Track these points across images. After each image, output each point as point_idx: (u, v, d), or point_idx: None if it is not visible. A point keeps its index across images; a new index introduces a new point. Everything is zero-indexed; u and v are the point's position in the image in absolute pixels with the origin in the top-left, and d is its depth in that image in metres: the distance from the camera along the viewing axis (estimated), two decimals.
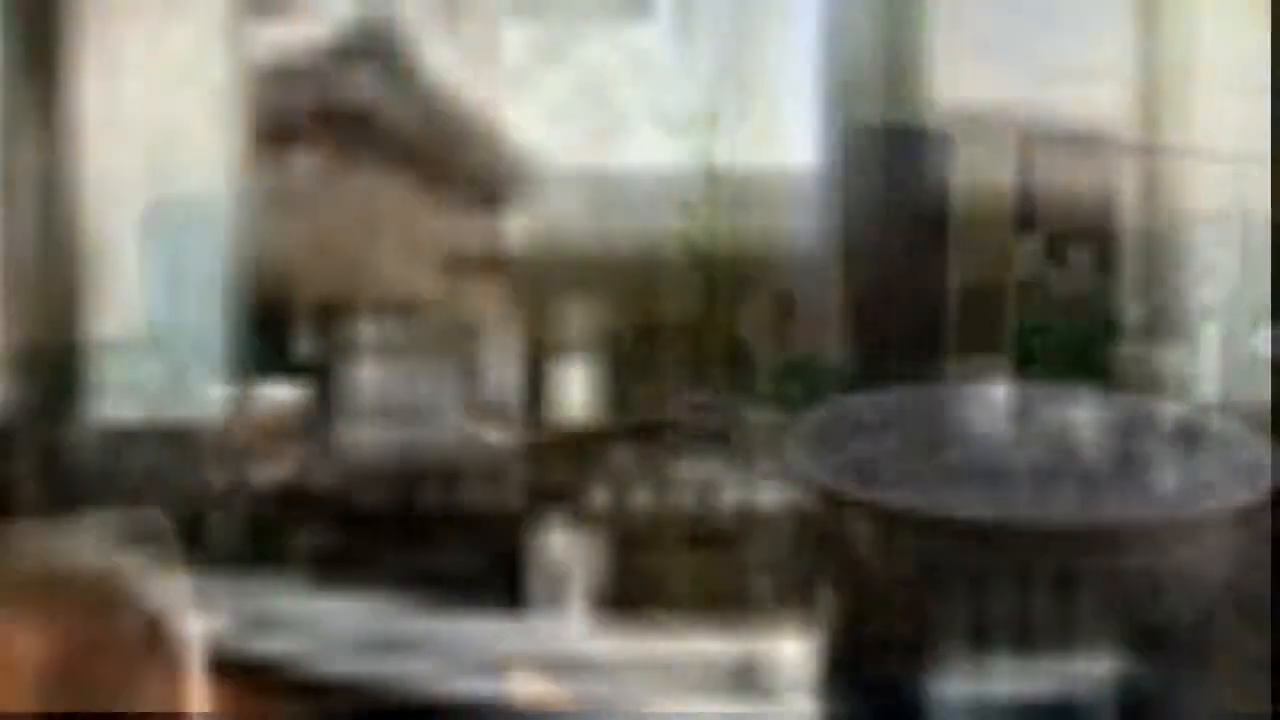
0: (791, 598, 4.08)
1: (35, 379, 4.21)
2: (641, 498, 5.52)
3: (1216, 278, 5.97)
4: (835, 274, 6.31)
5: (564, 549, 5.31)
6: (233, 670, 3.94)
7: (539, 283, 6.49)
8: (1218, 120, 5.98)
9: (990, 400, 5.06)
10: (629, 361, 6.30)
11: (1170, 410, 4.98)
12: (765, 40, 6.38)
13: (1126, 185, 6.18)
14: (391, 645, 3.96)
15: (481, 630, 3.82)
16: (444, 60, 6.62)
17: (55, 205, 4.14)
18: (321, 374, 6.17)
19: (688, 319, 6.37)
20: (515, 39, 6.58)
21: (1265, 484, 4.21)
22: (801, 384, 6.08)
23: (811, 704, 1.81)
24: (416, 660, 3.83)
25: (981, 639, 3.56)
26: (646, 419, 6.14)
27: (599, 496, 5.54)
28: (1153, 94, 6.14)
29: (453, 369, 6.31)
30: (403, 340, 6.33)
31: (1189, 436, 4.80)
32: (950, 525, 3.87)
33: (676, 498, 5.54)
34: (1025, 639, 3.78)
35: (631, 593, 4.96)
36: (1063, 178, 6.33)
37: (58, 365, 4.40)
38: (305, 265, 6.18)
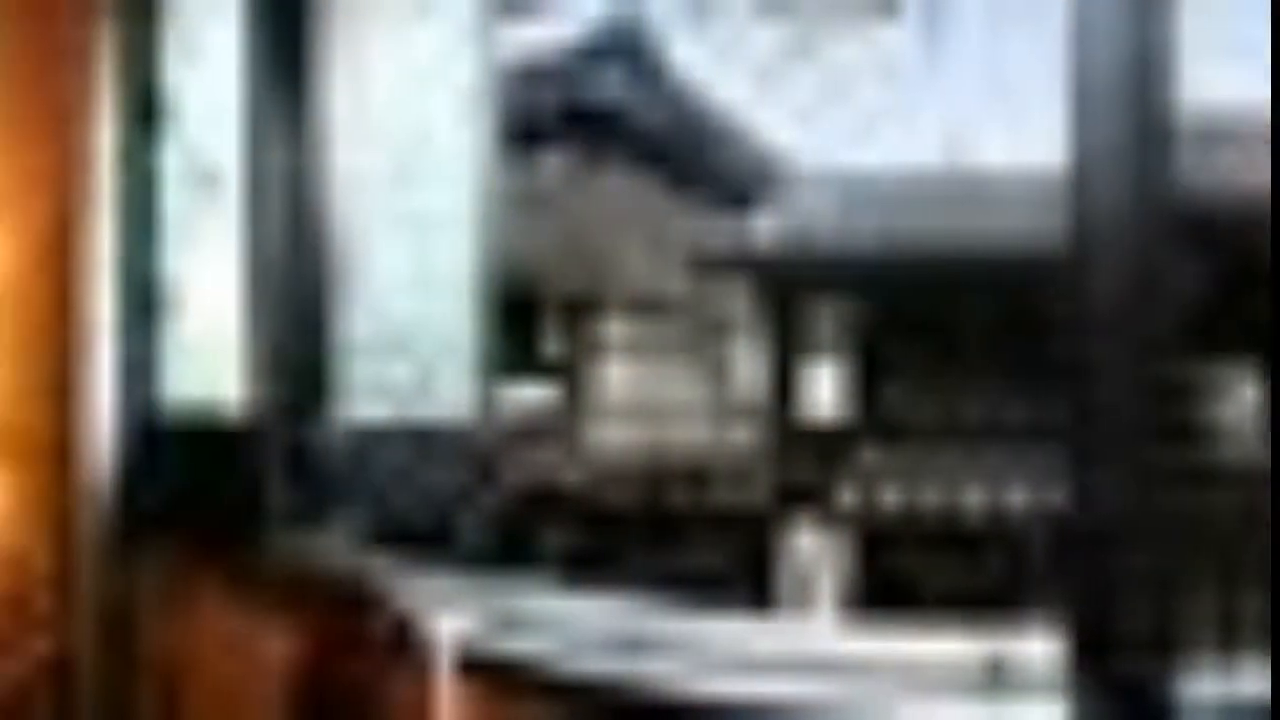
0: (1038, 595, 3.97)
1: (284, 380, 4.24)
2: (890, 497, 5.43)
3: None
4: (1082, 276, 6.18)
5: (812, 548, 5.25)
6: (481, 670, 3.93)
7: (787, 282, 6.43)
8: None
9: None
10: (877, 360, 6.22)
11: None
12: (1014, 40, 6.26)
13: None
14: (639, 645, 3.91)
15: (730, 629, 3.76)
16: (693, 59, 6.62)
17: (304, 207, 4.17)
18: (569, 374, 6.20)
19: (935, 318, 6.28)
20: (763, 38, 6.56)
21: None
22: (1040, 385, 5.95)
23: (1059, 703, 1.73)
24: (664, 660, 3.78)
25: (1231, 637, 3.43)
26: (895, 418, 6.06)
27: (847, 496, 5.47)
28: None
29: (701, 369, 6.29)
30: (650, 340, 6.33)
31: None
32: None
33: (925, 497, 5.45)
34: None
35: (880, 591, 4.88)
36: None
37: (306, 366, 4.43)
38: (553, 265, 6.20)
